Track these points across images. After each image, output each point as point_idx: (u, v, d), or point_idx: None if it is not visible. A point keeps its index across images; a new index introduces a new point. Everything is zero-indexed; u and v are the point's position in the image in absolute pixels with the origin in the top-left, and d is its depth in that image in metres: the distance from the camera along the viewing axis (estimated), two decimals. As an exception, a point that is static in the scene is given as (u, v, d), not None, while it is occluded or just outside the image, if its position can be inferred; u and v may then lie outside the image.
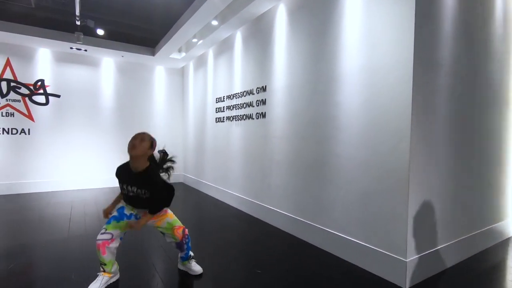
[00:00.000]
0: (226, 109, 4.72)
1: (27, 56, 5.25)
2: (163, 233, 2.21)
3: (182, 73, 6.79)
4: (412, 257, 2.13)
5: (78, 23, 4.13)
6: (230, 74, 4.62)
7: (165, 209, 2.15)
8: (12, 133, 5.15)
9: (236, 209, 4.33)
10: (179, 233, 2.16)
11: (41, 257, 2.56)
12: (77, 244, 2.87)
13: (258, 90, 3.89)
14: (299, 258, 2.61)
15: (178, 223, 2.18)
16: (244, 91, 4.21)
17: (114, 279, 2.09)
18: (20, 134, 5.21)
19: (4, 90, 5.08)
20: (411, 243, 2.12)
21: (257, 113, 3.91)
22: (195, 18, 3.79)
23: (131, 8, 4.29)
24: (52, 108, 5.46)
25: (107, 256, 1.99)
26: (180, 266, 2.33)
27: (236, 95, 4.44)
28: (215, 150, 5.10)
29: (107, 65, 5.97)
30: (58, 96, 5.51)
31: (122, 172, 2.05)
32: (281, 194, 3.44)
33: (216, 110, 5.07)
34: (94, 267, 2.23)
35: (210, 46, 5.09)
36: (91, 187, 5.78)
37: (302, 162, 3.11)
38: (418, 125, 2.13)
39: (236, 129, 4.44)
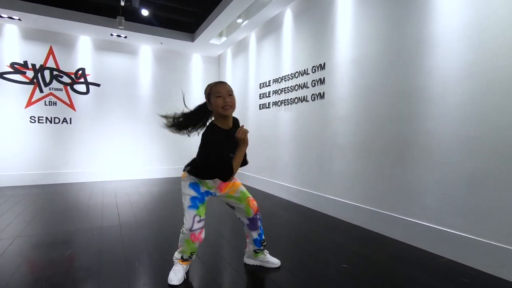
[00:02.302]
0: (273, 94, 4.40)
1: (69, 44, 5.20)
2: (233, 207, 1.89)
3: (218, 61, 6.56)
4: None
5: (122, 3, 3.96)
6: (278, 56, 4.29)
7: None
8: (55, 122, 5.12)
9: (286, 200, 4.01)
10: (254, 204, 1.86)
11: (96, 243, 2.36)
12: (131, 231, 2.65)
13: (315, 69, 3.54)
14: (383, 254, 2.24)
15: (250, 194, 1.89)
16: (296, 72, 3.87)
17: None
18: (62, 123, 5.17)
19: (47, 79, 5.06)
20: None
21: (313, 94, 3.56)
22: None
23: None
24: (92, 97, 5.39)
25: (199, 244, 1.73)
26: (250, 261, 1.97)
27: (285, 78, 4.11)
28: (258, 139, 4.80)
29: (145, 53, 5.84)
30: (98, 85, 5.43)
31: (223, 140, 1.61)
32: (345, 182, 3.08)
33: (260, 96, 4.76)
34: (151, 253, 1.98)
35: (254, 28, 4.80)
36: (130, 178, 5.67)
37: (375, 143, 2.73)
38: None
39: (286, 114, 4.11)
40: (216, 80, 6.49)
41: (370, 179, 2.78)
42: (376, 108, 2.73)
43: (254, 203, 1.87)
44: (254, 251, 1.94)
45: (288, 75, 4.04)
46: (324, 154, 3.36)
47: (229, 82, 6.00)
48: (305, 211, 3.47)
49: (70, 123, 5.23)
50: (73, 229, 2.70)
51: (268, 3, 3.84)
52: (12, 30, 4.81)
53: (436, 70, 2.22)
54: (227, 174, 1.59)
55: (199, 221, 1.68)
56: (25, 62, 4.90)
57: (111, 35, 5.19)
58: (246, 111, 5.25)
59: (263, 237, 1.93)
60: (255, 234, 1.89)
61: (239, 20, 4.52)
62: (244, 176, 5.29)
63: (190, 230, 1.66)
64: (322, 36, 3.42)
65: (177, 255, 1.79)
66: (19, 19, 4.55)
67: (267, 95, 4.56)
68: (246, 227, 1.91)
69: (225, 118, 1.66)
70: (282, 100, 4.18)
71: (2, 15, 4.39)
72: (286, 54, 4.11)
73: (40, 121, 5.01)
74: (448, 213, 2.13)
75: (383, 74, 2.66)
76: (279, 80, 4.25)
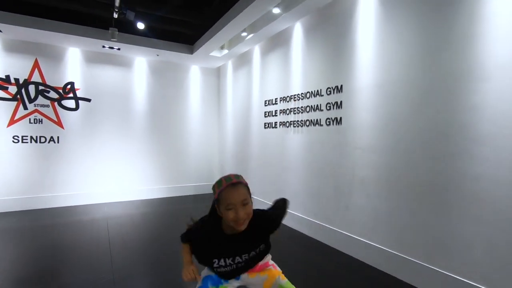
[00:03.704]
0: (280, 113, 4.07)
1: (56, 57, 4.78)
2: None
3: (218, 73, 6.21)
4: None
5: (115, 15, 3.58)
6: (286, 73, 3.97)
7: (271, 261, 1.51)
8: (40, 142, 4.68)
9: (296, 230, 3.68)
10: None
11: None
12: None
13: (330, 91, 3.22)
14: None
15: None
16: (308, 92, 3.55)
17: None
18: (49, 142, 4.73)
19: (32, 94, 4.62)
20: None
21: (328, 118, 3.24)
22: (256, 5, 3.16)
23: None
24: (82, 113, 4.97)
25: None
26: None
27: (295, 97, 3.78)
28: (264, 160, 4.46)
29: (140, 65, 5.45)
30: (89, 100, 5.01)
31: (211, 244, 1.33)
32: (366, 220, 2.76)
33: (265, 114, 4.43)
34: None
35: (258, 41, 4.47)
36: (124, 199, 5.26)
37: (403, 180, 2.42)
38: None
39: (295, 136, 3.78)
40: (215, 93, 6.18)
41: (397, 220, 2.47)
42: (405, 141, 2.42)
43: None
44: None
45: (298, 94, 3.72)
46: (342, 186, 3.04)
47: (229, 95, 5.65)
48: (317, 245, 3.15)
49: (58, 142, 4.79)
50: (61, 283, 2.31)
51: (277, 18, 3.52)
52: (-8, 41, 4.37)
53: (483, 106, 1.92)
54: None
55: None
56: (7, 76, 4.46)
57: (103, 47, 4.79)
58: (249, 128, 4.91)
59: None
60: None
61: (244, 34, 4.19)
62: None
63: None
64: (338, 55, 3.11)
65: None
66: (0, 31, 4.12)
67: (274, 114, 4.23)
68: None
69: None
70: (291, 121, 3.86)
71: (-20, 26, 3.96)
72: (295, 71, 3.79)
73: (24, 140, 4.57)
74: (500, 274, 1.83)
75: (415, 103, 2.36)
76: (288, 99, 3.92)
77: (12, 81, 4.49)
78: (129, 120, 5.34)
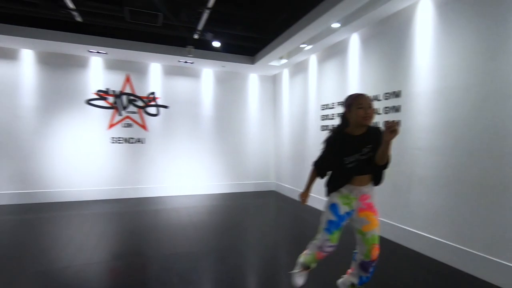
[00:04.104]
0: (338, 116, 4.43)
1: (142, 71, 5.73)
2: (357, 241, 1.94)
3: (274, 80, 6.73)
4: None
5: (196, 36, 4.28)
6: (343, 79, 4.32)
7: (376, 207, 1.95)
8: (130, 142, 5.65)
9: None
10: (375, 254, 1.87)
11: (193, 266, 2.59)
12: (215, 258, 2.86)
13: (387, 96, 3.51)
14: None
15: (378, 241, 1.89)
16: (365, 97, 3.86)
17: None
18: (136, 143, 5.69)
19: (125, 103, 5.61)
20: None
21: (386, 121, 3.52)
22: (318, 23, 3.59)
23: (235, 18, 4.30)
24: (162, 118, 5.86)
25: None
26: (343, 287, 2.07)
27: (352, 102, 4.11)
28: (320, 160, 4.83)
29: (207, 75, 6.21)
30: (167, 107, 5.89)
31: (345, 144, 1.87)
32: (425, 215, 3.00)
33: (322, 117, 4.81)
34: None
35: (315, 51, 4.87)
36: (194, 193, 6.03)
37: (464, 179, 2.63)
38: None
39: (353, 138, 4.10)
40: (271, 98, 6.71)
41: (459, 216, 2.68)
42: (464, 142, 2.64)
43: (376, 253, 1.88)
44: (352, 284, 2.00)
45: (356, 99, 4.04)
46: (401, 184, 3.30)
47: (285, 101, 6.13)
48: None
49: (143, 142, 5.73)
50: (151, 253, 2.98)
51: (336, 31, 3.90)
52: (97, 62, 5.43)
53: (543, 109, 2.11)
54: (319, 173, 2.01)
55: (329, 246, 1.87)
56: (107, 89, 5.50)
57: (179, 61, 5.61)
58: (306, 131, 5.32)
59: (369, 280, 1.97)
60: (363, 274, 1.95)
61: (303, 45, 4.63)
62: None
63: (319, 248, 1.89)
64: (396, 63, 3.39)
65: (302, 259, 2.02)
66: (106, 53, 5.13)
67: (330, 117, 4.59)
68: (357, 263, 1.97)
69: (362, 127, 1.85)
70: (348, 124, 4.18)
71: (91, 50, 4.99)
72: (352, 77, 4.12)
73: (118, 141, 5.57)
74: (562, 263, 1.99)
75: (473, 107, 2.57)
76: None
77: (110, 92, 5.52)
78: (198, 123, 6.11)
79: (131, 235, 3.55)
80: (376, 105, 3.68)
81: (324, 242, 1.89)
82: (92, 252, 2.94)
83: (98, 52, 5.09)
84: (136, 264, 2.73)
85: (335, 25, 3.75)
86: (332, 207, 1.91)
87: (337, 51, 4.44)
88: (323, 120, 4.80)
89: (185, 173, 6.00)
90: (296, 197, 5.64)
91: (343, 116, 1.94)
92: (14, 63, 4.97)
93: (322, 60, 4.84)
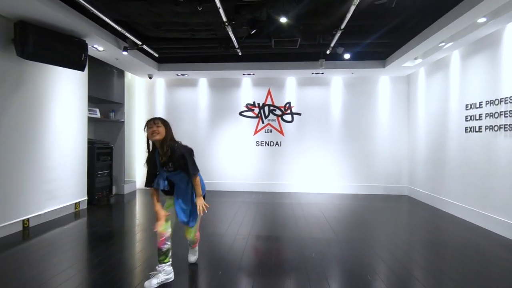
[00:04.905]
0: (487, 116, 4.00)
1: (280, 85, 6.78)
2: None
3: (408, 81, 6.48)
4: None
5: (328, 52, 4.85)
6: (494, 76, 3.89)
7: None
8: (270, 145, 6.79)
9: (505, 238, 3.55)
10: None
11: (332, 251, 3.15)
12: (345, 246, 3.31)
13: (556, 92, 3.02)
14: None
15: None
16: (524, 94, 3.40)
17: None
18: (275, 146, 6.77)
19: (267, 113, 6.80)
20: None
21: None
22: (461, 20, 3.46)
23: (368, 28, 4.51)
24: (296, 124, 6.73)
25: None
26: None
27: (506, 100, 3.67)
28: (464, 164, 4.44)
29: (336, 82, 6.66)
30: (300, 114, 6.72)
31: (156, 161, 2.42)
32: None
33: (467, 118, 4.42)
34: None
35: (458, 47, 4.53)
36: (325, 191, 6.60)
37: None
38: None
39: (507, 140, 3.66)
40: (404, 100, 6.46)
41: None
42: None
43: None
44: None
45: (510, 97, 3.59)
46: None
47: (422, 101, 5.83)
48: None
49: (280, 145, 6.75)
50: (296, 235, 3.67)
51: (482, 26, 3.61)
52: (247, 81, 6.84)
53: None
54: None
55: None
56: (254, 102, 6.82)
57: (312, 73, 6.32)
58: (446, 132, 4.96)
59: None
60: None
61: (441, 44, 4.42)
62: (438, 200, 5.00)
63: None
64: None
65: None
66: (253, 74, 6.43)
67: (478, 118, 4.18)
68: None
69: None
70: (502, 125, 3.75)
71: (244, 73, 6.37)
72: (506, 73, 3.67)
73: (262, 144, 6.79)
74: None
75: None
76: (497, 102, 3.83)
77: (256, 105, 6.81)
78: (328, 127, 6.65)
79: (275, 219, 4.46)
80: (539, 102, 3.20)
81: None
82: (252, 227, 3.96)
83: (248, 74, 6.44)
84: (282, 240, 3.54)
85: (481, 20, 3.49)
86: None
87: (485, 46, 4.03)
88: (467, 121, 4.40)
89: (316, 173, 6.65)
90: (432, 203, 5.31)
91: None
92: (194, 89, 6.95)
93: (466, 56, 4.45)
